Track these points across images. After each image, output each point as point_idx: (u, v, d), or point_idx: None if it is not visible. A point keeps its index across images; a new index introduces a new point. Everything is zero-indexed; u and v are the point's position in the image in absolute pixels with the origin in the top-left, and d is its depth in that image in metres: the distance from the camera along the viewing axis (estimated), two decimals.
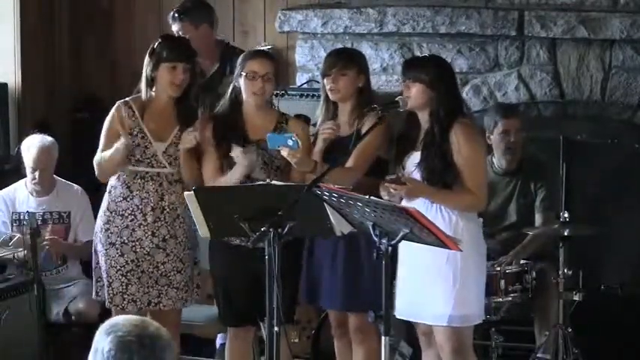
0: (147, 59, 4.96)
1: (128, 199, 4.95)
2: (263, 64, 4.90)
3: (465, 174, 4.48)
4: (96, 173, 5.04)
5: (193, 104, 5.03)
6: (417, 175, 4.53)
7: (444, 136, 4.49)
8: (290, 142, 4.46)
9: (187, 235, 5.00)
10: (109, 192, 5.01)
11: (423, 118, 4.60)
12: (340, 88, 4.90)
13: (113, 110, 5.00)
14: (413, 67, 4.68)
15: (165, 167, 4.95)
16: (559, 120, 6.23)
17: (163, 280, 4.96)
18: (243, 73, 4.87)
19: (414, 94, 4.56)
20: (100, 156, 4.98)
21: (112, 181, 5.00)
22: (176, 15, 5.77)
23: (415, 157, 4.58)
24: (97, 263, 5.05)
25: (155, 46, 4.96)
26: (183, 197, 4.79)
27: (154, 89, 4.96)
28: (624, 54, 5.94)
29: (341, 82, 4.90)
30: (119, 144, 4.87)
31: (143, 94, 4.96)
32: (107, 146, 4.96)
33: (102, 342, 2.66)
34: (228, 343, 5.08)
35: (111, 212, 4.98)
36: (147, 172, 4.94)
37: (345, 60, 4.94)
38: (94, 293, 5.13)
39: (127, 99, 5.01)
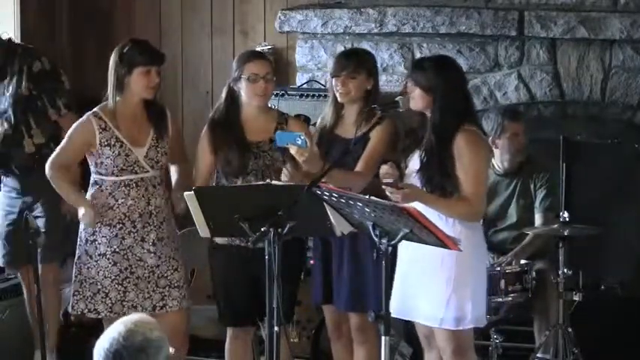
0: (116, 63, 4.88)
1: (114, 208, 4.89)
2: (262, 64, 4.89)
3: (465, 183, 4.42)
4: (47, 172, 4.95)
5: (161, 105, 5.02)
6: (417, 181, 4.50)
7: (444, 143, 4.44)
8: (299, 141, 4.45)
9: (174, 235, 5.00)
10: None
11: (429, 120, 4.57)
12: (350, 91, 4.89)
13: (82, 120, 4.92)
14: (415, 69, 4.63)
15: (148, 171, 4.91)
16: (559, 120, 6.23)
17: (163, 282, 4.94)
18: (244, 77, 4.86)
19: (416, 97, 4.54)
20: (57, 180, 4.91)
21: (93, 191, 4.95)
22: None
23: (418, 156, 4.55)
24: (76, 276, 4.96)
25: (125, 51, 4.89)
26: (168, 198, 4.89)
27: (121, 94, 4.90)
28: (624, 54, 5.94)
29: (350, 85, 4.88)
30: (85, 213, 4.84)
31: (111, 101, 4.88)
32: (64, 155, 4.92)
33: (94, 355, 2.83)
34: (228, 343, 5.07)
35: (96, 223, 4.89)
36: (131, 180, 4.89)
37: (356, 63, 4.91)
38: (70, 307, 5.05)
39: (95, 110, 4.92)
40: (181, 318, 4.98)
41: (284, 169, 4.67)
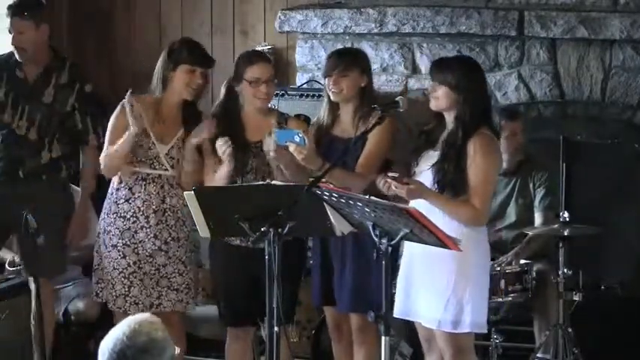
0: (164, 58, 4.92)
1: (130, 201, 4.94)
2: (265, 68, 4.88)
3: (473, 187, 4.42)
4: (102, 169, 5.03)
5: (200, 112, 5.03)
6: (429, 176, 4.50)
7: (465, 142, 4.45)
8: (297, 139, 4.48)
9: (189, 237, 5.00)
10: (112, 194, 5.00)
11: (449, 119, 4.55)
12: (342, 89, 4.88)
13: (117, 111, 4.96)
14: (440, 68, 4.61)
15: (167, 170, 4.94)
16: (559, 120, 6.23)
17: (164, 282, 4.96)
18: (246, 79, 4.85)
19: (440, 96, 4.53)
20: (107, 152, 4.96)
21: (115, 184, 4.99)
22: (17, 10, 5.27)
23: (431, 155, 4.55)
24: (98, 264, 5.04)
25: (175, 47, 4.93)
26: (184, 199, 4.80)
27: (164, 90, 4.93)
28: (624, 54, 5.93)
29: (343, 83, 4.88)
30: (128, 134, 4.83)
31: (158, 92, 4.92)
32: (114, 142, 4.93)
33: (99, 354, 2.84)
34: (228, 343, 5.07)
35: (112, 214, 4.97)
36: (148, 174, 4.93)
37: (347, 61, 4.92)
38: (94, 294, 5.10)
39: (131, 97, 4.93)
40: (177, 320, 4.98)
41: (266, 138, 4.66)
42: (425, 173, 4.52)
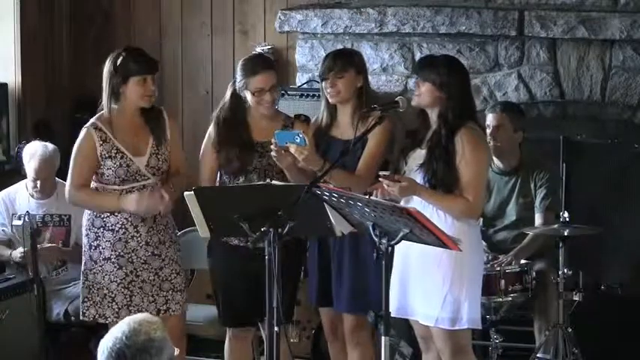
0: (111, 73, 4.80)
1: (116, 214, 4.87)
2: (268, 77, 4.87)
3: (464, 181, 4.45)
4: (69, 201, 4.95)
5: (158, 109, 4.97)
6: (419, 175, 4.52)
7: (450, 139, 4.47)
8: (297, 139, 4.50)
9: (176, 239, 5.00)
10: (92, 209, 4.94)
11: (433, 117, 4.59)
12: (339, 90, 4.89)
13: (83, 136, 4.85)
14: (424, 66, 4.66)
15: (149, 179, 4.90)
16: (559, 120, 6.22)
17: (167, 285, 4.94)
18: (250, 90, 4.85)
19: (423, 93, 4.55)
20: (86, 197, 4.87)
21: None
22: None
23: (419, 154, 4.57)
24: (84, 282, 4.97)
25: (120, 61, 4.81)
26: (170, 204, 4.82)
27: (118, 103, 4.85)
28: (624, 54, 5.93)
29: (339, 85, 4.89)
30: (136, 204, 4.79)
31: (106, 111, 4.83)
32: (80, 175, 4.86)
33: (98, 353, 2.86)
34: (228, 344, 5.08)
35: (98, 228, 4.90)
36: (133, 187, 4.87)
37: (342, 62, 4.92)
38: (80, 314, 5.04)
39: (93, 121, 4.86)
40: (180, 321, 4.99)
41: (272, 144, 4.65)
42: (414, 173, 4.53)
